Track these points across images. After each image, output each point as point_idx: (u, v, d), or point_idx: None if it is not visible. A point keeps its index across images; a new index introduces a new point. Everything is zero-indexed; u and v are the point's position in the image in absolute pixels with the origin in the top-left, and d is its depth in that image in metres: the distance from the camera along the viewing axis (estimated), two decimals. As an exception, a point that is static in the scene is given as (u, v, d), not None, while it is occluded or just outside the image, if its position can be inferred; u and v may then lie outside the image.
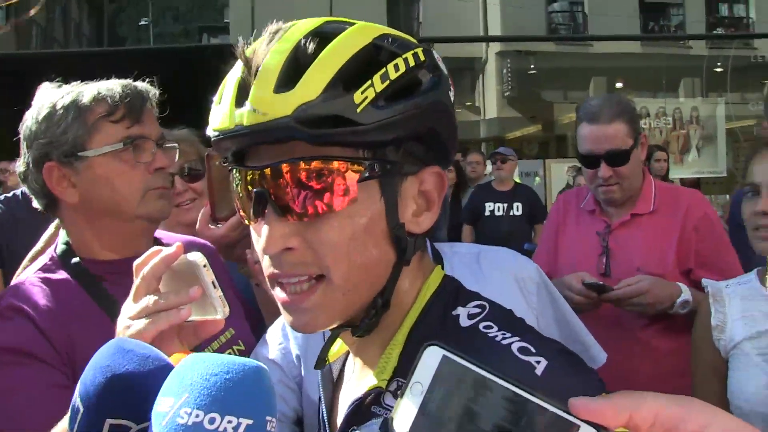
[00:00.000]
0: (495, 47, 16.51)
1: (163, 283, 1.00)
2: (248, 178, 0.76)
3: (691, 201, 2.21)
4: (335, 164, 0.73)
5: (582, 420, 0.47)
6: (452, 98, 0.81)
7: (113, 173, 1.36)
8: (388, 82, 0.73)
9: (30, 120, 1.37)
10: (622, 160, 2.12)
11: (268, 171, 0.74)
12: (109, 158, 1.36)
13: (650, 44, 16.06)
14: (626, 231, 2.20)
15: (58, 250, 1.41)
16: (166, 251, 0.99)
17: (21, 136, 1.40)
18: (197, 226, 1.72)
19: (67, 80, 1.45)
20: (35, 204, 1.44)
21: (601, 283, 2.06)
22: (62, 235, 1.43)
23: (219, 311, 0.98)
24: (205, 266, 0.98)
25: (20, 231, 2.38)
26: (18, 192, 2.68)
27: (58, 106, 1.35)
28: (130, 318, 0.98)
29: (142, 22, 28.92)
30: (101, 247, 1.40)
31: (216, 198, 1.69)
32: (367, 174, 0.74)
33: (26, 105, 1.41)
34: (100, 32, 24.72)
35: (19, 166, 1.41)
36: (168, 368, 0.69)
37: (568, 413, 0.47)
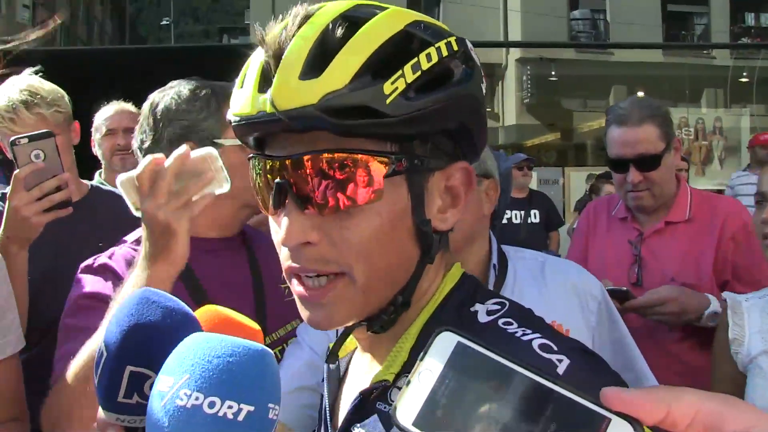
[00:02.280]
0: (515, 53, 16.47)
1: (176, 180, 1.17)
2: (268, 167, 0.72)
3: (729, 210, 2.12)
4: (360, 157, 0.68)
5: (614, 413, 0.42)
6: (484, 91, 0.77)
7: (241, 163, 1.43)
8: (419, 72, 0.68)
9: (168, 99, 1.48)
10: (653, 164, 2.03)
11: (289, 162, 0.70)
12: (239, 150, 1.46)
13: (673, 53, 15.89)
14: (660, 239, 2.12)
15: None
16: (176, 152, 1.14)
17: (148, 112, 1.49)
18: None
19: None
20: None
21: (624, 289, 1.99)
22: None
23: (225, 185, 1.19)
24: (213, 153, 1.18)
25: None
26: None
27: (201, 94, 1.49)
28: (176, 208, 1.15)
29: (164, 22, 29.25)
30: (205, 225, 1.47)
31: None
32: (393, 168, 0.70)
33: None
34: (122, 31, 25.03)
35: (138, 139, 1.52)
36: (192, 321, 0.69)
37: (598, 405, 0.42)
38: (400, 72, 0.68)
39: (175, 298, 0.71)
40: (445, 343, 0.46)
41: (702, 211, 2.11)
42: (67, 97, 2.18)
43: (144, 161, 1.15)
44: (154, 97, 1.52)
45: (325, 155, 0.68)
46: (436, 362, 0.46)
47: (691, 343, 2.04)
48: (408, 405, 0.45)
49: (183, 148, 1.15)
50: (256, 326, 0.77)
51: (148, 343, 0.67)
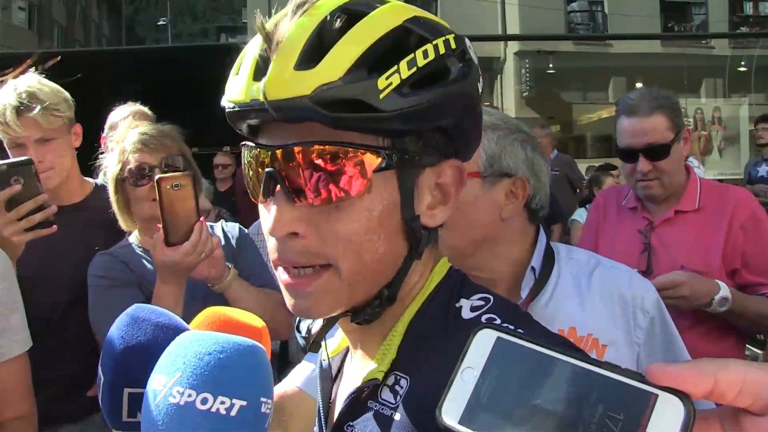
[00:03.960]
0: (513, 47, 16.43)
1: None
2: (260, 156, 0.72)
3: (739, 199, 2.13)
4: (352, 150, 0.68)
5: (661, 388, 0.42)
6: (480, 90, 0.76)
7: None
8: (415, 68, 0.68)
9: None
10: (662, 154, 2.05)
11: (279, 152, 0.70)
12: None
13: (671, 44, 15.85)
14: (670, 228, 2.14)
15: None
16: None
17: None
18: (152, 250, 1.68)
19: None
20: None
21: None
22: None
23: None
24: None
25: None
26: None
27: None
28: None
29: (161, 22, 29.21)
30: None
31: (168, 223, 1.64)
32: (384, 164, 0.69)
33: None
34: (119, 32, 24.98)
35: None
36: (184, 333, 0.69)
37: (644, 382, 0.43)
38: (395, 67, 0.67)
39: (165, 311, 0.71)
40: (484, 339, 0.47)
41: (711, 201, 2.13)
42: (69, 100, 2.15)
43: None
44: None
45: (317, 147, 0.68)
46: (478, 359, 0.46)
47: (701, 331, 2.05)
48: (452, 404, 0.45)
49: None
50: (259, 323, 0.78)
51: (141, 364, 0.67)
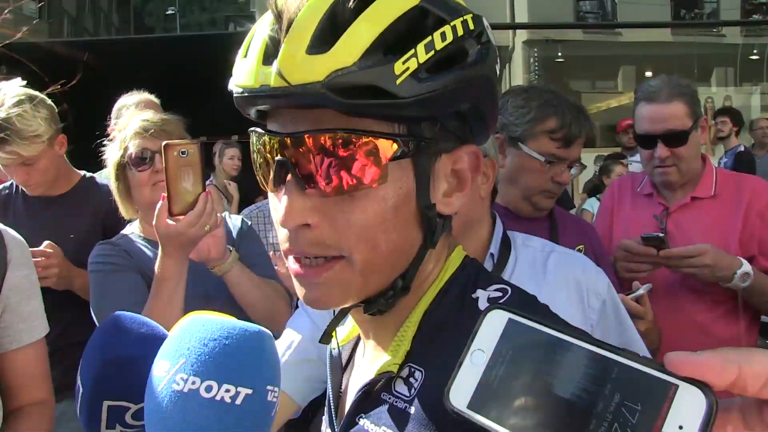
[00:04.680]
0: (522, 36, 16.28)
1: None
2: (270, 143, 0.70)
3: (755, 187, 2.18)
4: (365, 138, 0.66)
5: (681, 378, 0.40)
6: (498, 71, 0.74)
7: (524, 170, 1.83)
8: (432, 52, 0.65)
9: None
10: (680, 140, 2.10)
11: (289, 140, 0.67)
12: (527, 159, 1.79)
13: (681, 32, 15.65)
14: (686, 214, 2.18)
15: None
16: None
17: None
18: (154, 220, 1.64)
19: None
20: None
21: (660, 235, 2.03)
22: None
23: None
24: None
25: None
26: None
27: (529, 96, 1.80)
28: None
29: (169, 12, 29.20)
30: None
31: (173, 191, 1.60)
32: (400, 152, 0.67)
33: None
34: (128, 22, 25.01)
35: None
36: None
37: (664, 372, 0.41)
38: (412, 51, 0.65)
39: (148, 321, 0.69)
40: (496, 321, 0.45)
41: (727, 188, 2.18)
42: (50, 118, 2.17)
43: None
44: None
45: (329, 135, 0.66)
46: (488, 341, 0.44)
47: (717, 313, 2.11)
48: (461, 387, 0.43)
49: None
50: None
51: (121, 376, 0.66)
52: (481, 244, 1.52)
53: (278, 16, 0.67)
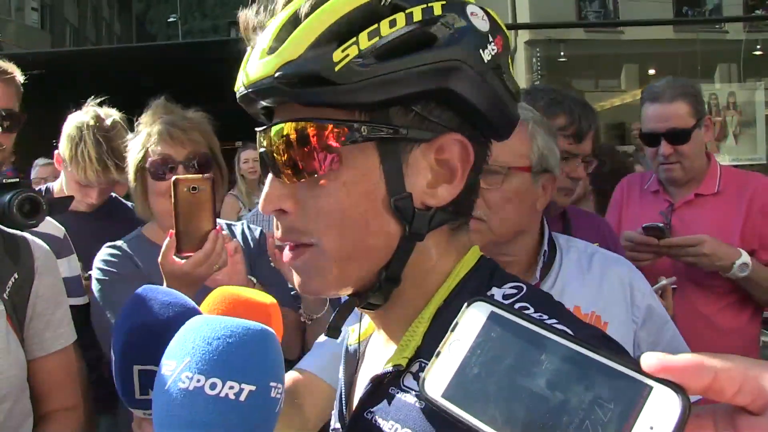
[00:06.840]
0: (524, 36, 16.27)
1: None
2: (258, 138, 0.77)
3: (758, 184, 2.25)
4: (317, 125, 0.70)
5: (656, 380, 0.40)
6: (496, 61, 0.73)
7: None
8: (377, 38, 0.68)
9: None
10: (683, 138, 2.17)
11: (262, 133, 0.75)
12: None
13: (684, 29, 15.65)
14: (690, 210, 2.25)
15: None
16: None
17: None
18: (160, 257, 1.55)
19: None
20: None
21: (661, 225, 2.10)
22: None
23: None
24: None
25: None
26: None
27: (533, 98, 1.77)
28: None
29: (171, 19, 29.33)
30: None
31: (182, 229, 1.52)
32: (355, 136, 0.69)
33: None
34: (129, 30, 25.11)
35: None
36: (192, 312, 0.71)
37: (639, 373, 0.41)
38: (354, 39, 0.68)
39: (173, 291, 0.72)
40: (477, 312, 0.45)
41: (731, 185, 2.25)
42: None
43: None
44: None
45: (286, 124, 0.71)
46: (468, 332, 0.44)
47: (721, 304, 2.18)
48: (437, 377, 0.44)
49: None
50: (268, 299, 0.78)
51: (148, 341, 0.69)
52: (528, 250, 1.56)
53: (261, 28, 0.75)
